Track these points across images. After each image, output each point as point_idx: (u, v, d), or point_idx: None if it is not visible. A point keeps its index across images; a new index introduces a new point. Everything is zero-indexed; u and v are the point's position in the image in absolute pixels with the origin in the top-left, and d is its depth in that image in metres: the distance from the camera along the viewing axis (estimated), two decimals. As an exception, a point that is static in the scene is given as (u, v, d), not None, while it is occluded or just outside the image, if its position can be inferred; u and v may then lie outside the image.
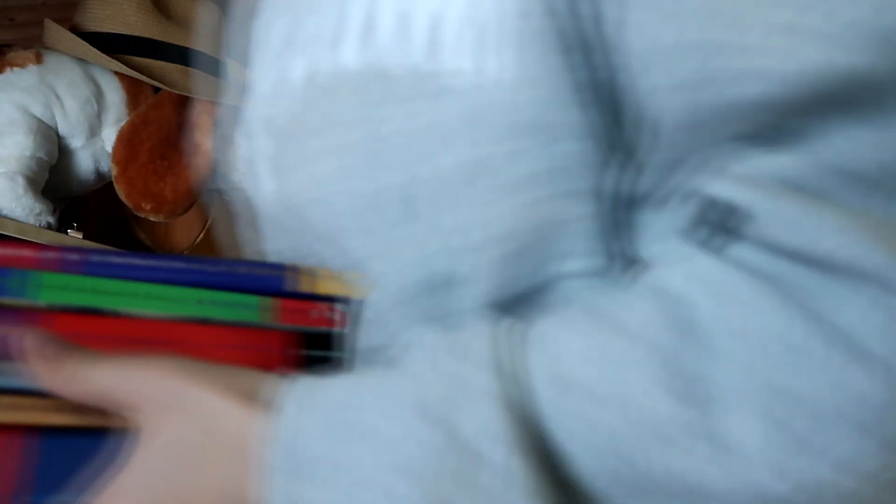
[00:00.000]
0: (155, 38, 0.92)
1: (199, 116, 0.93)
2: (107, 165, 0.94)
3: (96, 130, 0.92)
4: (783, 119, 0.25)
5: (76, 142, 0.91)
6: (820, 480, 0.23)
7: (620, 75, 0.29)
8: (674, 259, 0.27)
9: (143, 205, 0.88)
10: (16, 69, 0.87)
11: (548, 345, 0.26)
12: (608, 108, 0.30)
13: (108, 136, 0.92)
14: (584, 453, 0.25)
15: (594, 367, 0.25)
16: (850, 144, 0.24)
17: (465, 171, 0.31)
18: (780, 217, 0.24)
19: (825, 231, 0.23)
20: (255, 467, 0.27)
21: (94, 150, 0.93)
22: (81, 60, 0.91)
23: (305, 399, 0.28)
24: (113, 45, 0.90)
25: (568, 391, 0.25)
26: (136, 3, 0.92)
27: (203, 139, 0.92)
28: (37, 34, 0.94)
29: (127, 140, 0.88)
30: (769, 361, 0.23)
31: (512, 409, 0.25)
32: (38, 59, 0.89)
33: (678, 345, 0.24)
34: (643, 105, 0.28)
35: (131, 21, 0.91)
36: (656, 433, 0.24)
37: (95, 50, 0.88)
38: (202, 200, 1.05)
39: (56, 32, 0.90)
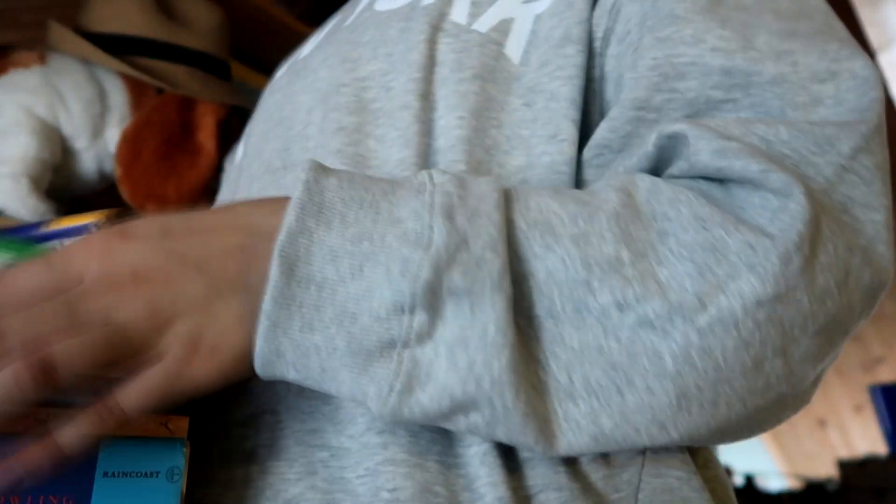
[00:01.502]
0: (158, 38, 0.92)
1: (203, 117, 0.93)
2: (110, 166, 0.94)
3: (100, 131, 0.92)
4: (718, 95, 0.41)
5: (80, 142, 0.91)
6: (728, 309, 0.33)
7: (608, 82, 0.46)
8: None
9: (146, 205, 0.88)
10: (19, 70, 0.87)
11: (531, 202, 0.36)
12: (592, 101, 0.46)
13: (112, 136, 0.92)
14: (545, 281, 0.34)
15: (564, 218, 0.35)
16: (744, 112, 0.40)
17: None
18: (702, 146, 0.37)
19: (727, 154, 0.36)
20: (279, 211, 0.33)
21: (98, 150, 0.93)
22: (85, 61, 0.91)
23: (324, 169, 0.35)
24: (116, 45, 0.90)
25: (541, 231, 0.34)
26: (139, 4, 0.92)
27: (206, 140, 0.92)
28: (40, 35, 0.94)
29: (130, 141, 0.88)
30: (693, 231, 0.34)
31: (502, 235, 0.33)
32: (42, 60, 0.89)
33: (628, 216, 0.35)
34: (618, 86, 0.45)
35: (135, 22, 0.91)
36: (603, 267, 0.34)
37: (99, 51, 0.88)
38: (205, 201, 1.05)
39: (60, 33, 0.90)
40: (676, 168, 0.39)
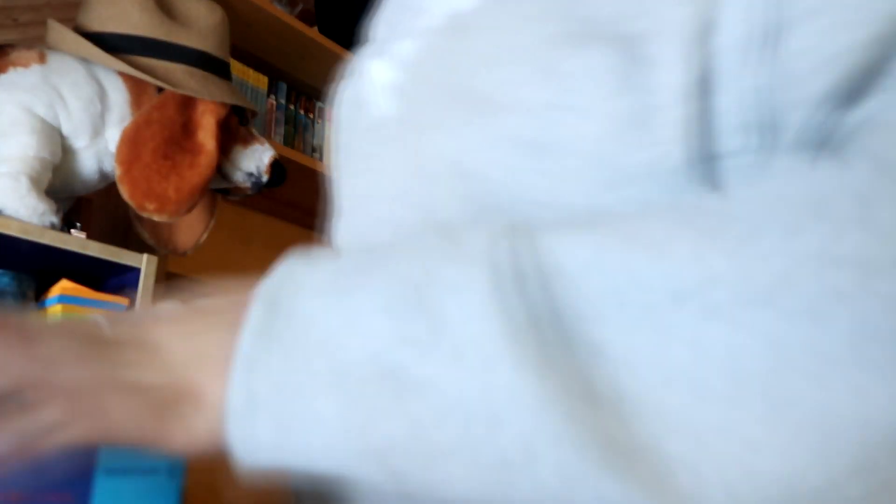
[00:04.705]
0: (158, 38, 0.92)
1: (203, 116, 0.93)
2: (110, 165, 0.94)
3: (100, 130, 0.92)
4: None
5: (80, 142, 0.91)
6: None
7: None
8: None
9: (146, 204, 0.88)
10: (19, 69, 0.87)
11: (555, 250, 0.26)
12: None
13: (112, 135, 0.92)
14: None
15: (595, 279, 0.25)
16: None
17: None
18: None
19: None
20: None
21: (98, 149, 0.93)
22: (85, 60, 0.91)
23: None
24: (116, 44, 0.90)
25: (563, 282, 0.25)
26: (139, 3, 0.92)
27: (206, 139, 0.92)
28: (40, 34, 0.94)
29: (130, 140, 0.88)
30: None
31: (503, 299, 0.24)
32: (42, 59, 0.89)
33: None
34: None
35: (134, 21, 0.91)
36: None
37: (99, 50, 0.88)
38: (205, 200, 1.05)
39: (59, 32, 0.90)
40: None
